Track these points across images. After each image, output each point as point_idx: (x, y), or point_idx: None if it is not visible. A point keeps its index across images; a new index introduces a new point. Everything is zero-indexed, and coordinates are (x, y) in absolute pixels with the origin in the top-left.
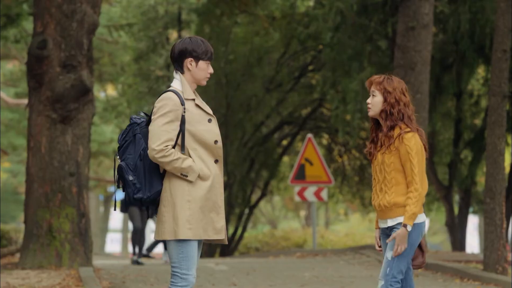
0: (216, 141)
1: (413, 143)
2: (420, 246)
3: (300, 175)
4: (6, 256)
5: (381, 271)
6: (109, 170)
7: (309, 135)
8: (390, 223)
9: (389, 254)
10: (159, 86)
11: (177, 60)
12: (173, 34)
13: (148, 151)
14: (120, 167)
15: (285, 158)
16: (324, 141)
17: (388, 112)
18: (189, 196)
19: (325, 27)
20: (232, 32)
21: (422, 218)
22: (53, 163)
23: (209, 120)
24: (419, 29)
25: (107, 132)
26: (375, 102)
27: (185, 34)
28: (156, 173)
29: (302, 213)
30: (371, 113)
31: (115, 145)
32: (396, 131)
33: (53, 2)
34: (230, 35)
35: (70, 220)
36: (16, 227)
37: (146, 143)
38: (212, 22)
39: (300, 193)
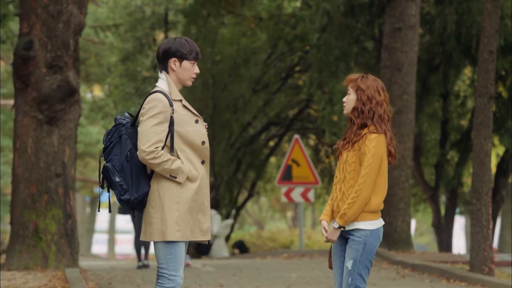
0: (203, 142)
1: (373, 145)
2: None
3: (287, 176)
4: None
5: (338, 282)
6: (95, 171)
7: (296, 136)
8: (348, 227)
9: (349, 264)
10: (146, 87)
11: (162, 60)
12: (160, 35)
13: (137, 153)
14: (106, 168)
15: (272, 159)
16: (311, 142)
17: (359, 110)
18: (178, 197)
19: (312, 28)
20: (219, 32)
21: (379, 223)
22: (39, 164)
23: (196, 121)
24: (406, 30)
25: (94, 133)
26: (349, 100)
27: (172, 35)
28: (143, 174)
29: (289, 214)
30: (345, 111)
31: (102, 146)
32: (365, 130)
33: (39, 3)
34: (217, 36)
35: (57, 221)
36: (2, 228)
37: (132, 144)
38: (198, 23)
39: (287, 194)
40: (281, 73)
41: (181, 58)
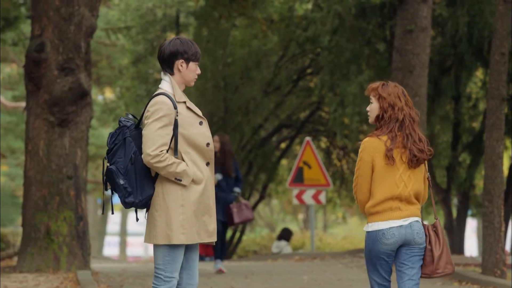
0: (208, 144)
1: (360, 150)
2: (432, 254)
3: (298, 178)
4: (4, 259)
5: None
6: None
7: (308, 138)
8: None
9: None
10: (157, 89)
11: (167, 62)
12: (171, 37)
13: (142, 156)
14: (110, 170)
15: (283, 161)
16: (323, 144)
17: (381, 117)
18: (183, 200)
19: (323, 30)
20: (230, 35)
21: (376, 226)
22: (51, 166)
23: (200, 123)
24: (417, 32)
25: (105, 135)
26: (372, 109)
27: (183, 37)
28: (147, 177)
29: (300, 216)
30: (370, 119)
31: None
32: None
33: (51, 5)
34: (228, 38)
35: (68, 223)
36: (14, 231)
37: (137, 146)
38: (210, 25)
39: (298, 196)
40: (292, 75)
41: (188, 59)
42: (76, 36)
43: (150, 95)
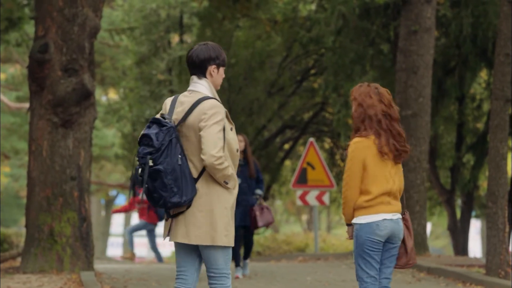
0: (237, 150)
1: (351, 150)
2: (405, 246)
3: (302, 179)
4: (7, 260)
5: None
6: (111, 174)
7: (311, 139)
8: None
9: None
10: (161, 90)
11: (199, 67)
12: (175, 38)
13: (205, 157)
14: (158, 170)
15: (287, 162)
16: (326, 145)
17: (352, 117)
18: (227, 203)
19: (327, 30)
20: (234, 36)
21: (371, 218)
22: (55, 167)
23: (231, 129)
24: (422, 33)
25: (109, 136)
26: (352, 111)
27: (187, 38)
28: (190, 178)
29: (304, 217)
30: (351, 121)
31: (117, 149)
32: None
33: (55, 6)
34: (231, 39)
35: (72, 224)
36: (18, 231)
37: (181, 148)
38: (213, 26)
39: (302, 197)
40: (296, 76)
41: (219, 65)
42: (79, 37)
43: (154, 96)
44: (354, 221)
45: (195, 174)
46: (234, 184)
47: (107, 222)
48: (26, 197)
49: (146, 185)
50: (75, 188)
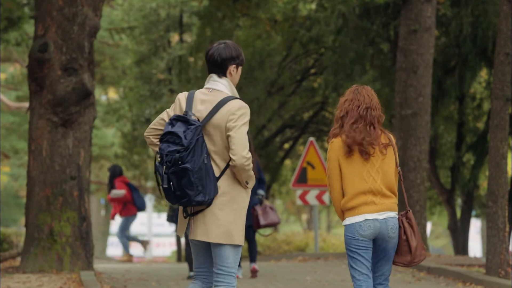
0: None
1: (328, 150)
2: (408, 244)
3: (302, 179)
4: (7, 259)
5: None
6: None
7: (311, 139)
8: None
9: None
10: (161, 89)
11: (220, 66)
12: (175, 37)
13: (235, 158)
14: (186, 169)
15: (287, 162)
16: (326, 145)
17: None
18: (244, 203)
19: (327, 30)
20: (233, 35)
21: (353, 219)
22: (54, 167)
23: None
24: (422, 32)
25: (109, 136)
26: None
27: (187, 37)
28: (213, 177)
29: (304, 216)
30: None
31: (117, 149)
32: None
33: (54, 5)
34: (231, 38)
35: (71, 224)
36: (17, 231)
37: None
38: (213, 25)
39: (302, 197)
40: (296, 75)
41: (239, 64)
42: (79, 36)
43: (154, 95)
44: (342, 222)
45: (217, 173)
46: (253, 184)
47: (107, 221)
48: (26, 196)
49: (170, 183)
50: (74, 188)
